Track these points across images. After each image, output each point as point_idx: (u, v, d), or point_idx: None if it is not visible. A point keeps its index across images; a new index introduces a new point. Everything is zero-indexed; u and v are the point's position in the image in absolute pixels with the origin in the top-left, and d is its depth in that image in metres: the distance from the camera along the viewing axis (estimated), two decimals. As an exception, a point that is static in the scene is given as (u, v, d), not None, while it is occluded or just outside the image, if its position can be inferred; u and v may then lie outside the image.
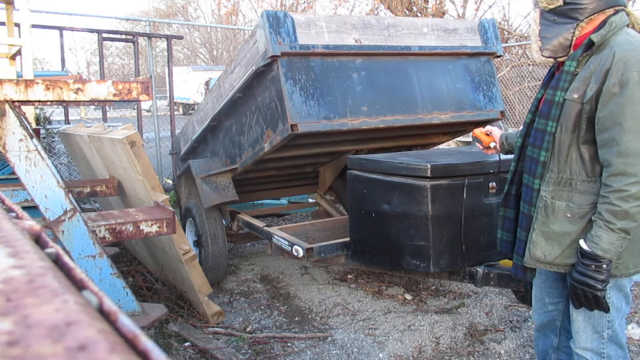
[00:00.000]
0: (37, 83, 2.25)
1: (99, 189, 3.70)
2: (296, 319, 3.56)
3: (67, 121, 6.80)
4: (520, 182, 1.99)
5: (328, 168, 4.31)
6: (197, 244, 4.12)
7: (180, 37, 11.09)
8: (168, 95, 8.13)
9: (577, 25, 1.76)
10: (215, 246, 4.00)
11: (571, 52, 1.79)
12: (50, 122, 6.65)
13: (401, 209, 2.68)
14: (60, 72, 6.89)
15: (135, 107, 7.35)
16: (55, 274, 0.44)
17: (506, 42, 10.43)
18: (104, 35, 6.55)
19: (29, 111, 4.79)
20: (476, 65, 3.70)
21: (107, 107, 7.83)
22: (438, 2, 12.34)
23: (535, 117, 1.91)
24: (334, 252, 3.21)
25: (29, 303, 0.37)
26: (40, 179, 2.35)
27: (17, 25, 5.00)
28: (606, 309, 1.76)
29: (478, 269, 2.94)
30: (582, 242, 1.75)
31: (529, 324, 3.34)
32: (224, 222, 4.25)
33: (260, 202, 5.56)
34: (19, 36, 4.80)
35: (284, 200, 5.93)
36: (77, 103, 4.12)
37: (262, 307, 3.76)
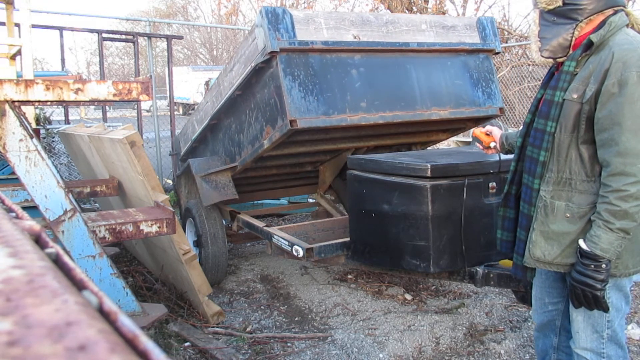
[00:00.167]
0: (37, 83, 2.25)
1: (99, 189, 3.70)
2: (296, 319, 3.56)
3: (67, 121, 6.80)
4: (520, 182, 1.99)
5: (328, 167, 4.31)
6: (197, 244, 4.12)
7: (180, 37, 11.09)
8: (168, 95, 8.13)
9: (577, 25, 1.77)
10: (215, 246, 4.00)
11: (570, 52, 1.79)
12: (50, 122, 6.64)
13: (401, 209, 2.68)
14: (60, 72, 6.89)
15: (135, 107, 7.35)
16: (55, 274, 0.44)
17: (506, 42, 10.43)
18: (104, 35, 6.55)
19: (29, 111, 4.79)
20: (475, 62, 3.71)
21: (107, 107, 7.83)
22: (438, 2, 12.34)
23: (534, 117, 1.91)
24: (334, 252, 3.21)
25: (29, 303, 0.37)
26: (40, 179, 2.35)
27: (17, 25, 5.00)
28: (606, 309, 1.76)
29: (478, 269, 2.94)
30: (581, 242, 1.75)
31: (529, 324, 3.34)
32: (224, 222, 4.25)
33: (260, 202, 5.56)
34: (19, 36, 4.81)
35: (284, 200, 5.93)
36: (77, 103, 4.12)
37: (262, 307, 3.76)
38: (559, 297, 2.09)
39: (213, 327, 3.35)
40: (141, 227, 2.66)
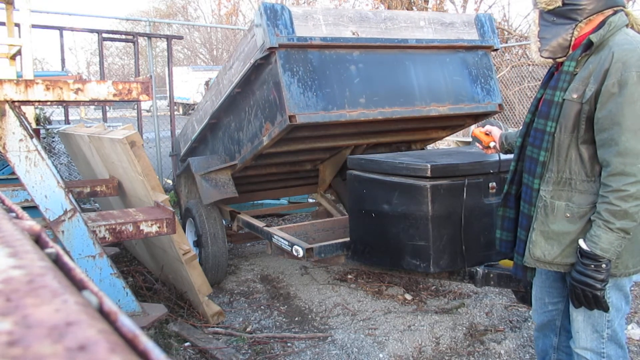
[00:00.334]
0: (37, 83, 2.25)
1: (99, 189, 3.70)
2: (296, 319, 3.56)
3: (67, 121, 6.80)
4: (520, 182, 1.99)
5: (327, 165, 4.31)
6: (197, 244, 4.12)
7: (180, 37, 11.09)
8: (168, 95, 8.13)
9: (576, 25, 1.77)
10: (215, 246, 4.00)
11: (570, 52, 1.79)
12: (50, 122, 6.64)
13: (401, 209, 2.68)
14: (60, 72, 6.89)
15: (135, 107, 7.35)
16: (55, 274, 0.44)
17: (506, 42, 10.43)
18: (104, 35, 6.55)
19: (29, 111, 4.79)
20: (473, 58, 3.71)
21: (107, 107, 7.82)
22: (438, 2, 12.35)
23: (534, 117, 1.91)
24: (334, 252, 3.22)
25: (29, 303, 0.37)
26: (40, 179, 2.35)
27: (17, 25, 5.00)
28: (606, 309, 1.76)
29: (478, 269, 2.94)
30: (581, 242, 1.75)
31: (529, 324, 3.34)
32: (224, 222, 4.25)
33: (260, 202, 5.56)
34: (19, 36, 4.81)
35: (284, 200, 5.93)
36: (77, 103, 4.12)
37: (262, 307, 3.76)
38: (559, 297, 2.09)
39: (213, 327, 3.35)
40: (141, 227, 2.66)
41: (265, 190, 4.86)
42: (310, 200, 5.92)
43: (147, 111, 15.01)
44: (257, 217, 4.42)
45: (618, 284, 1.84)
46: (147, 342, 0.37)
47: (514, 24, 14.09)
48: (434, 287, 4.00)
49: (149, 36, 6.97)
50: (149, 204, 3.03)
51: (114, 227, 2.60)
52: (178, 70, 24.30)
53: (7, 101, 2.23)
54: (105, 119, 7.08)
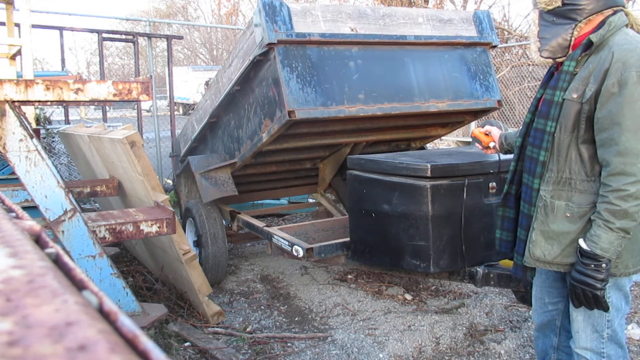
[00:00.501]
0: (37, 83, 2.25)
1: (99, 189, 3.70)
2: (296, 319, 3.56)
3: (67, 121, 6.80)
4: (520, 182, 1.99)
5: (327, 164, 4.31)
6: (197, 244, 4.12)
7: (180, 37, 11.10)
8: (168, 95, 8.14)
9: (576, 25, 1.77)
10: (215, 246, 4.00)
11: (570, 52, 1.79)
12: (50, 122, 6.64)
13: (401, 209, 2.68)
14: (60, 72, 6.89)
15: (135, 107, 7.35)
16: (55, 274, 0.44)
17: (506, 42, 10.42)
18: (104, 35, 6.55)
19: (29, 111, 4.79)
20: (472, 55, 3.71)
21: (107, 107, 7.82)
22: (438, 2, 12.34)
23: (534, 117, 1.91)
24: (334, 252, 3.22)
25: (29, 303, 0.37)
26: (40, 179, 2.35)
27: (17, 25, 5.00)
28: (605, 309, 1.76)
29: (478, 269, 2.94)
30: (581, 242, 1.75)
31: (529, 324, 3.34)
32: (224, 222, 4.25)
33: (260, 202, 5.56)
34: (19, 36, 4.81)
35: (284, 200, 5.93)
36: (77, 103, 4.12)
37: (262, 307, 3.76)
38: (559, 297, 2.09)
39: (213, 327, 3.35)
40: (141, 227, 2.66)
41: (265, 190, 4.86)
42: (310, 200, 5.92)
43: (147, 111, 15.01)
44: (257, 217, 4.42)
45: (618, 284, 1.84)
46: (147, 342, 0.37)
47: (514, 24, 14.09)
48: (434, 287, 4.00)
49: (149, 36, 6.97)
50: (149, 204, 3.03)
51: (114, 227, 2.60)
52: (178, 70, 24.29)
53: (7, 101, 2.23)
54: (105, 119, 7.08)
